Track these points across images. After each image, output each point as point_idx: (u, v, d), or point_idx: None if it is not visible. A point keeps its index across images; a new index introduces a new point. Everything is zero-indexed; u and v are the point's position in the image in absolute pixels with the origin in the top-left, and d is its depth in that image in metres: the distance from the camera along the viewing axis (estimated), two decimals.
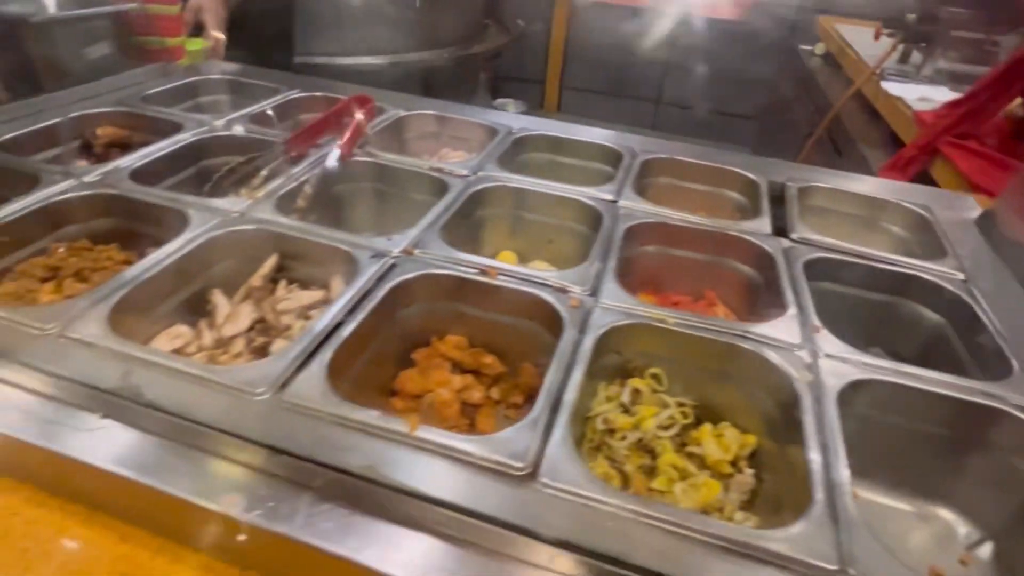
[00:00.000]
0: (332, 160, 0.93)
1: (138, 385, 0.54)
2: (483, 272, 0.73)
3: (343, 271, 0.76)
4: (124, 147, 1.08)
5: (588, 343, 0.63)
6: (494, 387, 0.73)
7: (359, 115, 1.02)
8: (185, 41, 1.37)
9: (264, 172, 0.93)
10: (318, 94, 1.24)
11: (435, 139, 1.21)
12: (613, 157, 1.09)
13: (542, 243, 0.97)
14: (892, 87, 1.99)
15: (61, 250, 0.77)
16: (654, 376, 0.69)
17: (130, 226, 0.84)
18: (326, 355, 0.59)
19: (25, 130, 0.97)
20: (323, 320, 0.63)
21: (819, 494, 0.49)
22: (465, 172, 0.97)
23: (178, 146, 0.98)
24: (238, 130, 1.04)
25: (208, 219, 0.78)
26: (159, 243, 0.82)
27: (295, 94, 1.22)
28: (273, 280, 0.79)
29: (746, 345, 0.64)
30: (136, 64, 1.27)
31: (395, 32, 3.05)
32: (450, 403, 0.68)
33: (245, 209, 0.81)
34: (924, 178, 1.56)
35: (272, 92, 1.24)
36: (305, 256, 0.78)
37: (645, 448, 0.65)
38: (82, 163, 1.03)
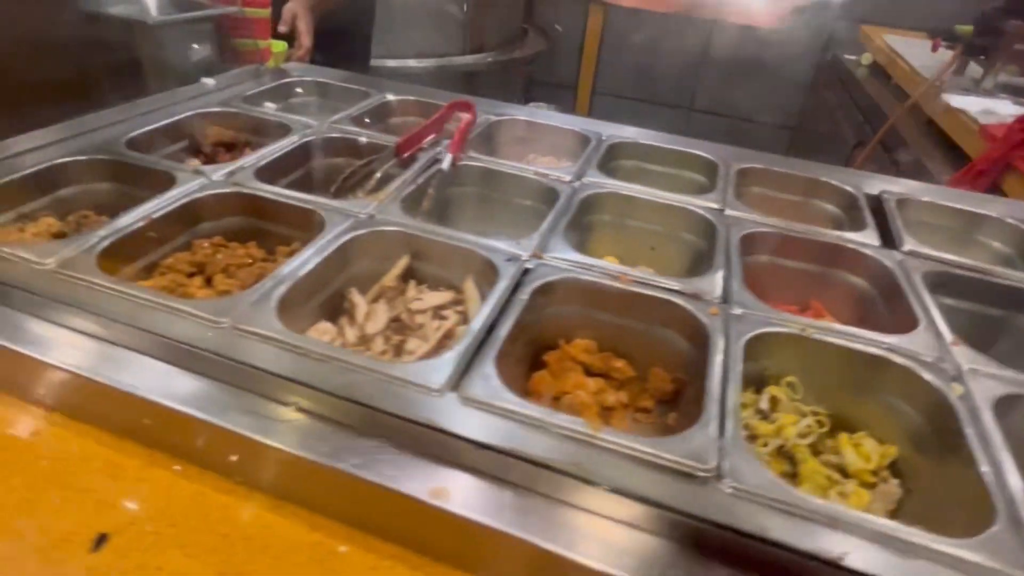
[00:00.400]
0: (446, 163, 0.95)
1: (326, 376, 0.56)
2: (614, 277, 0.75)
3: (475, 273, 0.78)
4: (229, 147, 1.11)
5: (736, 350, 0.64)
6: (622, 391, 0.75)
7: (464, 119, 1.04)
8: (271, 43, 1.41)
9: (378, 174, 0.96)
10: (410, 98, 1.26)
11: (523, 144, 1.23)
12: (707, 167, 1.11)
13: (644, 249, 0.98)
14: (954, 100, 1.99)
15: (206, 246, 0.79)
16: (789, 384, 0.70)
17: (260, 224, 0.86)
18: (489, 354, 0.61)
19: (142, 130, 1.00)
20: (478, 320, 0.65)
21: (1000, 505, 0.50)
22: (568, 178, 0.99)
23: (292, 147, 1.00)
24: (347, 132, 1.07)
25: (340, 220, 0.80)
26: (287, 241, 0.85)
27: (388, 97, 1.25)
28: (402, 280, 0.81)
29: (892, 357, 0.65)
30: (231, 65, 1.30)
31: (441, 36, 3.09)
32: (589, 405, 0.69)
33: (373, 211, 0.83)
34: (994, 192, 1.56)
35: (362, 95, 1.27)
36: (435, 257, 0.80)
37: (785, 455, 0.67)
38: (194, 162, 1.06)
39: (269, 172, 0.94)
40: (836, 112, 3.09)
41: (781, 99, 4.12)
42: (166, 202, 0.81)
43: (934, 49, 2.28)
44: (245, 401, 0.57)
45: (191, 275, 0.77)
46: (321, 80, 1.33)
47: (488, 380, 0.57)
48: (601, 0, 4.38)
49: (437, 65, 3.02)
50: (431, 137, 1.04)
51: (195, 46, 1.22)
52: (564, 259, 0.77)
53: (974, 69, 2.11)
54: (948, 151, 1.89)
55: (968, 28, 3.06)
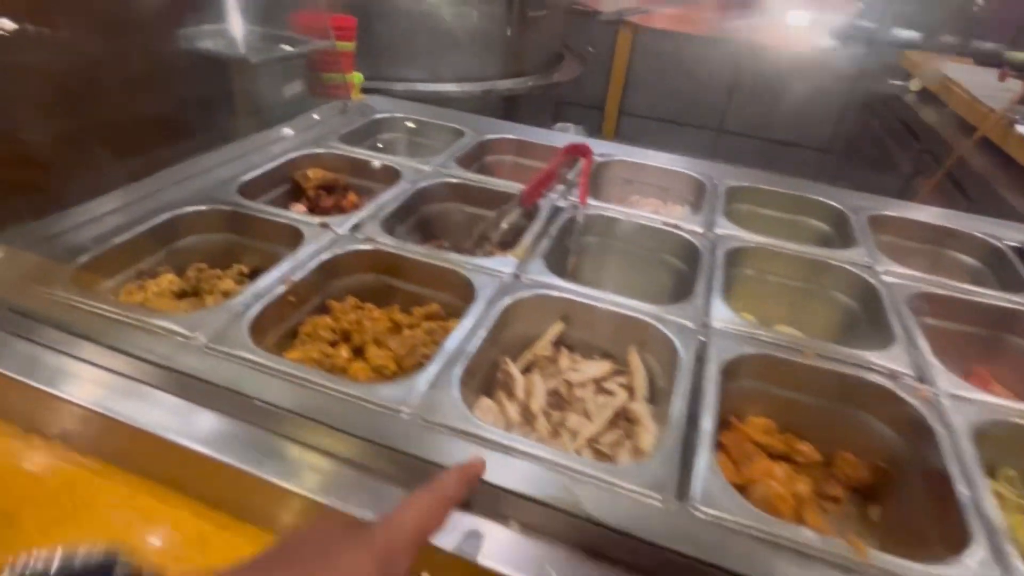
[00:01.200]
0: (581, 216, 0.89)
1: (542, 483, 0.50)
2: (797, 351, 0.68)
3: (638, 342, 0.72)
4: (330, 190, 1.06)
5: (966, 444, 0.58)
6: (806, 477, 0.68)
7: (584, 164, 0.98)
8: (353, 75, 1.36)
9: (504, 225, 0.90)
10: (510, 137, 1.21)
11: (624, 185, 1.18)
12: (832, 215, 1.05)
13: (782, 306, 0.92)
14: None
15: (346, 310, 0.73)
16: (1008, 479, 0.64)
17: (392, 282, 0.81)
18: (702, 451, 0.55)
19: (251, 176, 0.95)
20: (676, 405, 0.59)
21: None
22: (700, 229, 0.93)
23: (409, 195, 0.95)
24: (464, 178, 1.01)
25: (487, 281, 0.75)
26: (420, 300, 0.80)
27: (485, 136, 1.20)
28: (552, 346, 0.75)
29: None
30: (319, 100, 1.26)
31: (482, 59, 3.06)
32: (786, 498, 0.63)
33: (516, 269, 0.78)
34: None
35: (454, 133, 1.22)
36: (590, 323, 0.74)
37: None
38: (298, 207, 1.01)
39: (392, 223, 0.88)
40: (886, 140, 3.04)
41: (816, 123, 4.07)
42: (302, 261, 0.75)
43: (1002, 79, 2.23)
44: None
45: (334, 343, 0.71)
46: (411, 117, 1.28)
47: (717, 485, 0.51)
48: (631, 22, 4.36)
49: (481, 90, 2.98)
50: (552, 184, 0.99)
51: (289, 83, 1.17)
52: (736, 328, 0.71)
53: None
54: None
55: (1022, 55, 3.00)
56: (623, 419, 0.68)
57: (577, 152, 1.03)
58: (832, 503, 0.67)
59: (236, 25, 1.21)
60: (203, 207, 0.85)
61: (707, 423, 0.58)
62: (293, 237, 0.81)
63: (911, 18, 3.05)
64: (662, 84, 4.25)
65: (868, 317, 0.82)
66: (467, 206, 1.01)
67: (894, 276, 0.85)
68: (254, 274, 0.80)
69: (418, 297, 0.80)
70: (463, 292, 0.76)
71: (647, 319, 0.71)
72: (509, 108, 3.22)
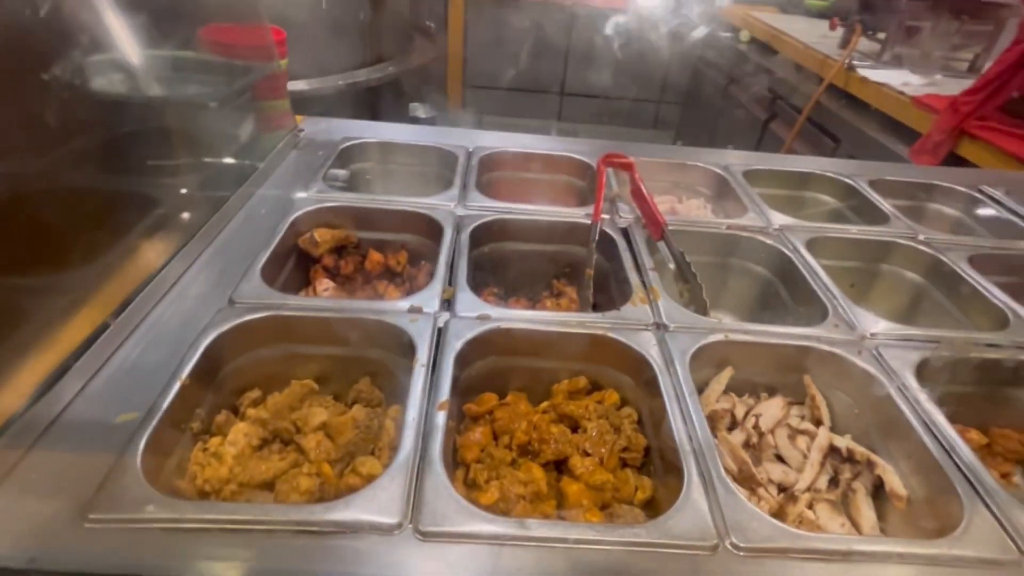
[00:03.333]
0: (665, 249, 0.81)
1: None
2: (956, 345, 0.70)
3: (811, 369, 0.68)
4: (341, 249, 0.87)
5: None
6: None
7: (637, 180, 0.91)
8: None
9: (590, 270, 0.80)
10: (503, 149, 1.08)
11: (670, 187, 1.12)
12: (842, 189, 1.10)
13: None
14: (871, 74, 2.21)
15: (520, 421, 0.59)
16: None
17: (517, 362, 0.67)
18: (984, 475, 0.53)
19: (264, 258, 0.73)
20: (916, 431, 0.56)
21: None
22: (766, 225, 0.91)
23: (467, 247, 0.80)
24: (509, 212, 0.88)
25: (647, 340, 0.65)
26: (554, 375, 0.68)
27: (483, 152, 1.06)
28: None
29: None
30: (263, 134, 1.01)
31: (337, 49, 2.77)
32: None
33: (656, 318, 0.69)
34: (953, 159, 1.77)
35: (441, 154, 1.06)
36: (749, 359, 0.69)
37: None
38: (324, 282, 0.81)
39: (479, 285, 0.74)
40: (730, 88, 3.31)
41: (652, 77, 4.34)
42: (440, 370, 0.59)
43: (832, 27, 2.53)
44: None
45: (513, 463, 0.57)
46: (381, 140, 1.09)
47: None
48: None
49: (344, 83, 2.70)
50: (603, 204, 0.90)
51: (243, 123, 0.91)
52: (904, 333, 0.70)
53: (863, 44, 2.36)
54: (888, 123, 2.09)
55: (820, 3, 3.43)
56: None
57: (614, 163, 0.95)
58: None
59: (132, 53, 0.91)
60: (249, 318, 0.63)
61: (963, 448, 0.56)
62: (382, 332, 0.64)
63: None
64: (500, 53, 4.23)
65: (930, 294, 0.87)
66: (522, 243, 0.88)
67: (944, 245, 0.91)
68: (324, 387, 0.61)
69: (552, 373, 0.68)
70: (612, 357, 0.66)
71: (813, 344, 0.68)
72: (372, 100, 2.97)
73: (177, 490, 0.51)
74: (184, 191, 0.82)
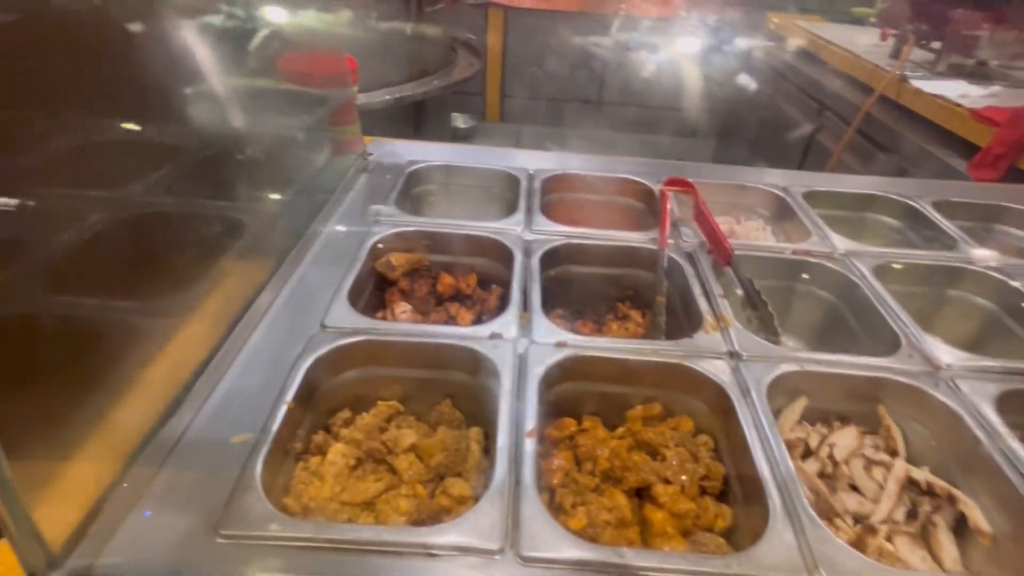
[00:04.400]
0: (732, 275, 0.83)
1: None
2: None
3: (887, 398, 0.69)
4: (413, 272, 0.90)
5: None
6: None
7: (701, 204, 0.92)
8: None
9: (662, 298, 0.82)
10: (566, 172, 1.11)
11: (727, 208, 1.13)
12: (906, 211, 1.09)
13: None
14: (925, 86, 2.16)
15: (603, 448, 0.62)
16: None
17: (598, 388, 0.70)
18: None
19: (349, 283, 0.77)
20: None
21: None
22: (832, 251, 0.92)
23: (541, 270, 0.83)
24: (578, 236, 0.90)
25: (721, 368, 0.67)
26: (627, 402, 0.70)
27: (544, 175, 1.08)
28: None
29: None
30: (337, 160, 1.06)
31: (385, 64, 2.85)
32: None
33: (728, 346, 0.71)
34: (1015, 174, 1.72)
35: (498, 176, 1.10)
36: (822, 388, 0.70)
37: None
38: (402, 305, 0.84)
39: (546, 307, 0.77)
40: (774, 98, 3.27)
41: (693, 87, 4.30)
42: (523, 395, 0.62)
43: (883, 38, 2.48)
44: None
45: (597, 489, 0.60)
46: (446, 164, 1.12)
47: None
48: (499, 4, 4.31)
49: (392, 97, 2.77)
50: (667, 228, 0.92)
51: (319, 150, 0.96)
52: (982, 364, 0.70)
53: (917, 55, 2.31)
54: (943, 136, 2.05)
55: (866, 10, 3.37)
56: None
57: (677, 187, 0.97)
58: None
59: (220, 83, 0.97)
60: (342, 342, 0.67)
61: None
62: (464, 357, 0.67)
63: None
64: (538, 63, 4.27)
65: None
66: (588, 267, 0.91)
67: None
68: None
69: (624, 398, 0.70)
70: (687, 385, 0.68)
71: (884, 374, 0.68)
72: (417, 113, 3.05)
73: (286, 507, 0.55)
74: (271, 216, 0.88)
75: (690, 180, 0.98)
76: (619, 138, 4.49)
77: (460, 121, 4.24)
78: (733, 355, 0.70)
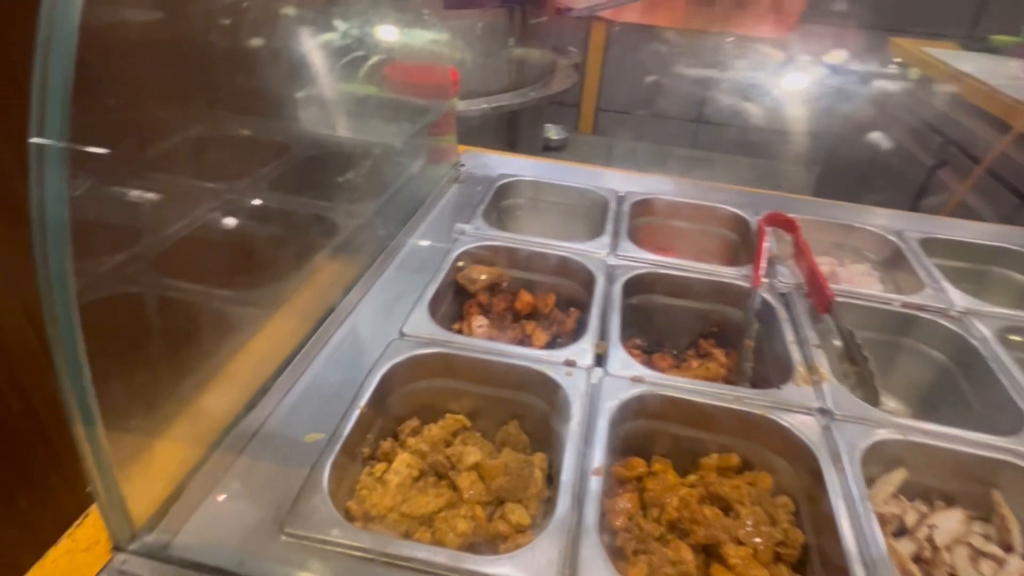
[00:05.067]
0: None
1: None
2: None
3: (999, 484, 0.61)
4: (494, 287, 0.90)
5: None
6: None
7: (801, 243, 0.86)
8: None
9: (750, 341, 0.77)
10: (659, 196, 1.08)
11: (830, 248, 1.06)
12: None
13: None
14: None
15: (671, 497, 0.59)
16: None
17: (671, 429, 0.67)
18: None
19: (430, 293, 0.78)
20: None
21: None
22: (948, 307, 0.83)
23: (618, 295, 0.80)
24: (665, 266, 0.87)
25: (810, 426, 0.62)
26: (701, 450, 0.66)
27: (635, 198, 1.06)
28: None
29: None
30: (430, 169, 1.08)
31: (485, 73, 2.91)
32: None
33: (820, 402, 0.65)
34: None
35: (585, 194, 1.08)
36: (926, 464, 0.63)
37: None
38: (478, 319, 0.85)
39: (623, 335, 0.74)
40: (891, 128, 3.05)
41: (798, 110, 4.08)
42: (597, 430, 0.60)
43: None
44: None
45: (661, 538, 0.57)
46: (536, 180, 1.12)
47: None
48: (603, 17, 4.28)
49: (490, 106, 2.82)
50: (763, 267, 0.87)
51: (416, 159, 0.99)
52: None
53: None
54: None
55: (1010, 39, 3.08)
56: None
57: (779, 224, 0.91)
58: None
59: (327, 89, 1.01)
60: (419, 352, 0.68)
61: None
62: (536, 381, 0.66)
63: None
64: (638, 78, 4.20)
65: None
66: (672, 298, 0.87)
67: None
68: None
69: (698, 443, 0.66)
70: (770, 439, 0.63)
71: (1002, 455, 0.60)
72: (511, 123, 3.09)
73: (348, 511, 0.56)
74: (363, 220, 0.91)
75: (792, 217, 0.92)
76: (715, 159, 4.34)
77: (552, 132, 4.26)
78: (825, 413, 0.64)
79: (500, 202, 1.09)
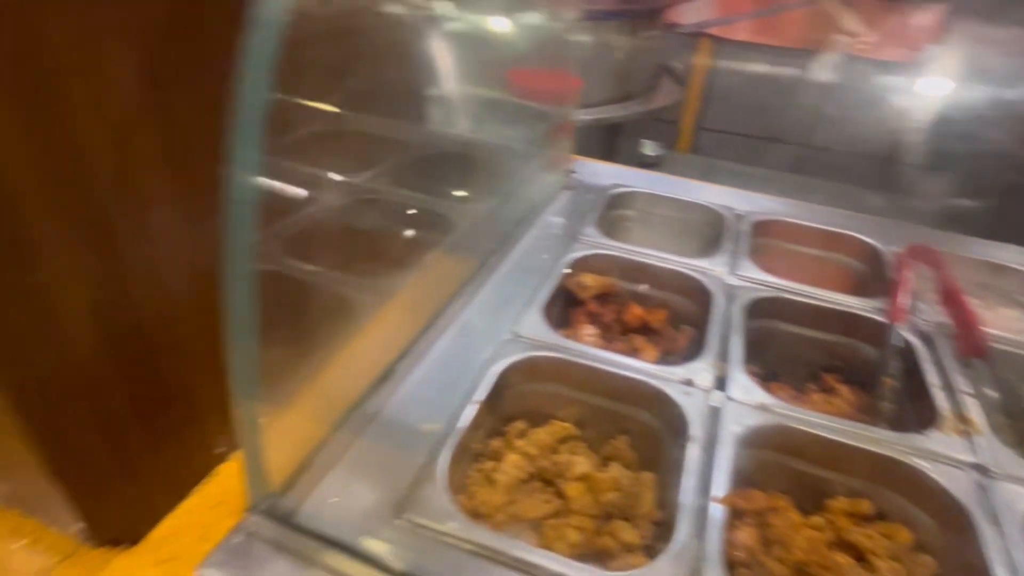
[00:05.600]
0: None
1: None
2: None
3: None
4: (604, 297, 0.88)
5: None
6: None
7: (943, 278, 0.79)
8: None
9: (890, 380, 0.71)
10: (784, 218, 1.02)
11: (975, 289, 0.96)
12: None
13: None
14: None
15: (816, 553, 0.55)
16: None
17: (783, 460, 0.62)
18: None
19: (543, 297, 0.78)
20: None
21: None
22: None
23: (739, 318, 0.76)
24: (795, 293, 0.82)
25: (960, 481, 0.56)
26: (826, 490, 0.61)
27: (757, 218, 1.01)
28: None
29: None
30: (541, 176, 1.08)
31: (590, 85, 2.90)
32: None
33: (977, 456, 0.58)
34: None
35: (703, 211, 1.04)
36: None
37: None
38: (588, 328, 0.83)
39: (757, 372, 0.70)
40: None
41: (921, 140, 3.78)
42: (715, 457, 0.57)
43: None
44: None
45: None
46: (650, 192, 1.10)
47: None
48: (711, 34, 4.15)
49: (592, 117, 2.81)
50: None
51: (529, 163, 1.00)
52: None
53: None
54: None
55: None
56: None
57: (922, 257, 0.84)
58: None
59: (455, 89, 1.03)
60: (534, 354, 0.67)
61: None
62: (650, 397, 0.63)
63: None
64: (743, 98, 4.04)
65: None
66: (796, 326, 0.82)
67: None
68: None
69: (824, 483, 0.61)
70: (911, 489, 0.57)
71: None
72: (610, 135, 3.06)
73: (458, 504, 0.56)
74: (477, 220, 0.91)
75: (938, 251, 0.84)
76: (821, 185, 4.10)
77: (648, 148, 4.18)
78: (979, 469, 0.58)
79: (611, 211, 1.07)
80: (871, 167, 3.62)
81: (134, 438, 0.50)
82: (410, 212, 0.90)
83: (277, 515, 0.47)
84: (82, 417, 0.46)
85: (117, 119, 0.43)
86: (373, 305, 0.75)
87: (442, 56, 0.95)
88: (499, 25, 1.04)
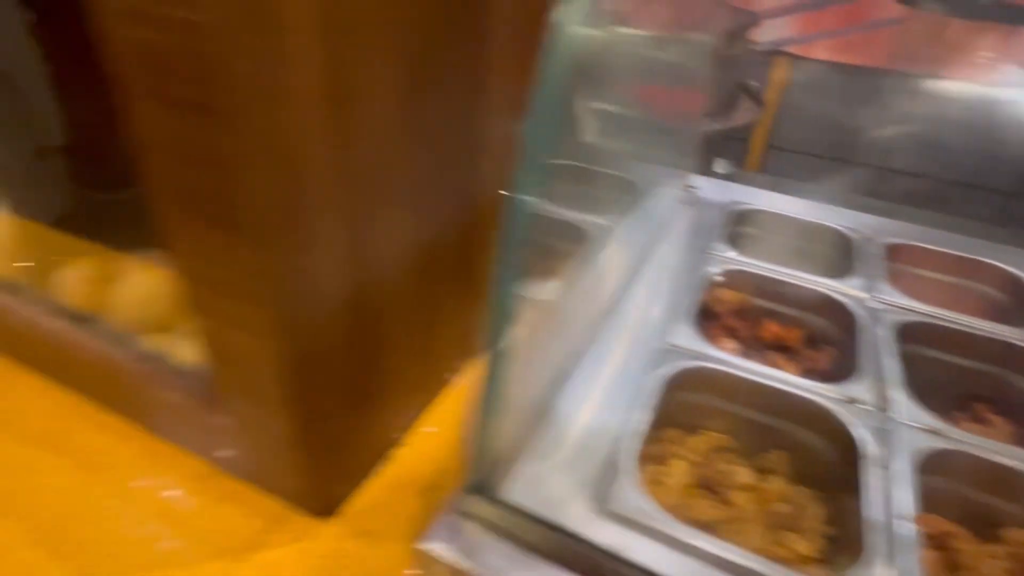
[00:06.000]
0: None
1: None
2: None
3: None
4: (739, 313, 0.89)
5: None
6: None
7: None
8: None
9: None
10: (919, 244, 1.01)
11: None
12: None
13: None
14: None
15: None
16: None
17: (952, 485, 0.62)
18: None
19: (691, 311, 0.79)
20: None
21: None
22: None
23: (893, 341, 0.76)
24: (944, 320, 0.82)
25: None
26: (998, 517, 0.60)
27: (887, 240, 1.00)
28: None
29: None
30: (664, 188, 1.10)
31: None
32: None
33: None
34: None
35: (832, 233, 1.03)
36: None
37: None
38: (727, 343, 0.84)
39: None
40: None
41: (1010, 164, 3.61)
42: (890, 474, 0.57)
43: None
44: None
45: None
46: (772, 211, 1.10)
47: None
48: (788, 52, 4.07)
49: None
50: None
51: (654, 175, 1.02)
52: None
53: None
54: None
55: None
56: None
57: None
58: None
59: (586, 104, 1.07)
60: (692, 364, 0.69)
61: None
62: (809, 413, 0.64)
63: None
64: (818, 117, 3.94)
65: None
66: (943, 353, 0.81)
67: None
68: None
69: (999, 513, 0.61)
70: None
71: None
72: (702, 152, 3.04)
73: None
74: (608, 231, 0.94)
75: None
76: (896, 210, 3.95)
77: (719, 166, 4.12)
78: None
79: (735, 228, 1.08)
80: (949, 192, 3.48)
81: (358, 413, 0.55)
82: (548, 223, 0.93)
83: (491, 496, 0.51)
84: (327, 391, 0.50)
85: (381, 124, 0.48)
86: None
87: (578, 71, 0.98)
88: (655, 43, 1.07)
